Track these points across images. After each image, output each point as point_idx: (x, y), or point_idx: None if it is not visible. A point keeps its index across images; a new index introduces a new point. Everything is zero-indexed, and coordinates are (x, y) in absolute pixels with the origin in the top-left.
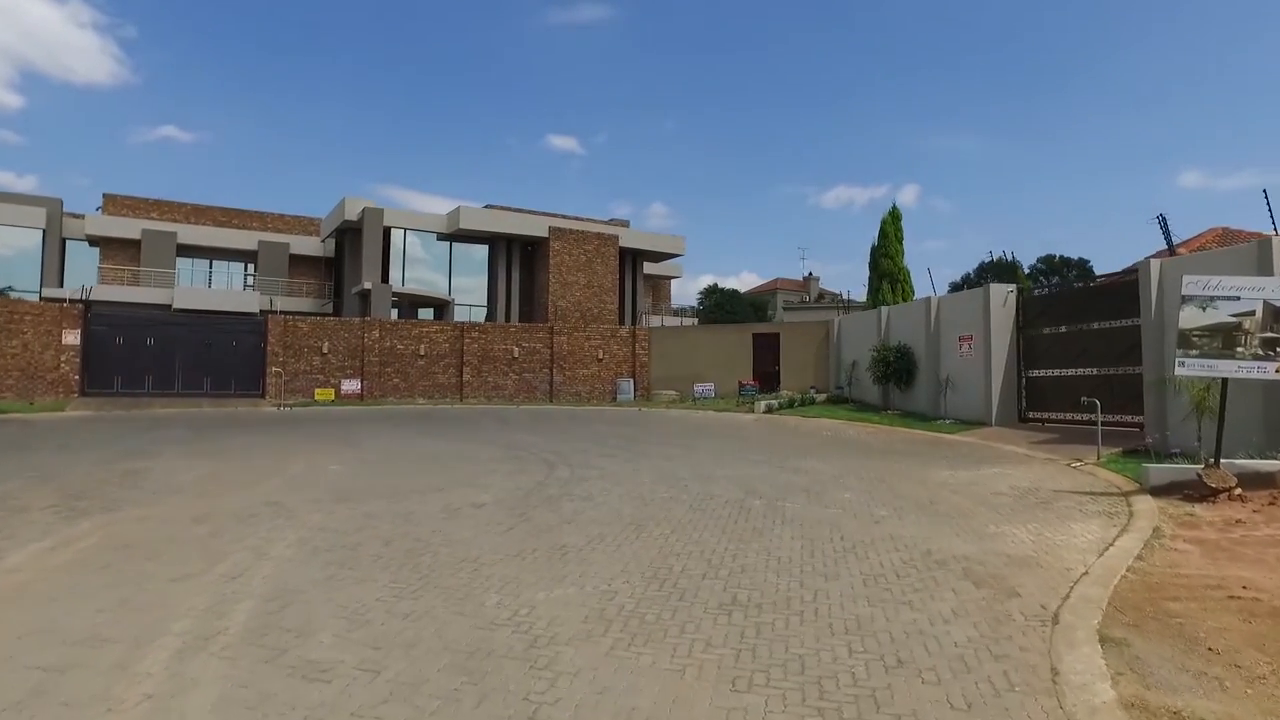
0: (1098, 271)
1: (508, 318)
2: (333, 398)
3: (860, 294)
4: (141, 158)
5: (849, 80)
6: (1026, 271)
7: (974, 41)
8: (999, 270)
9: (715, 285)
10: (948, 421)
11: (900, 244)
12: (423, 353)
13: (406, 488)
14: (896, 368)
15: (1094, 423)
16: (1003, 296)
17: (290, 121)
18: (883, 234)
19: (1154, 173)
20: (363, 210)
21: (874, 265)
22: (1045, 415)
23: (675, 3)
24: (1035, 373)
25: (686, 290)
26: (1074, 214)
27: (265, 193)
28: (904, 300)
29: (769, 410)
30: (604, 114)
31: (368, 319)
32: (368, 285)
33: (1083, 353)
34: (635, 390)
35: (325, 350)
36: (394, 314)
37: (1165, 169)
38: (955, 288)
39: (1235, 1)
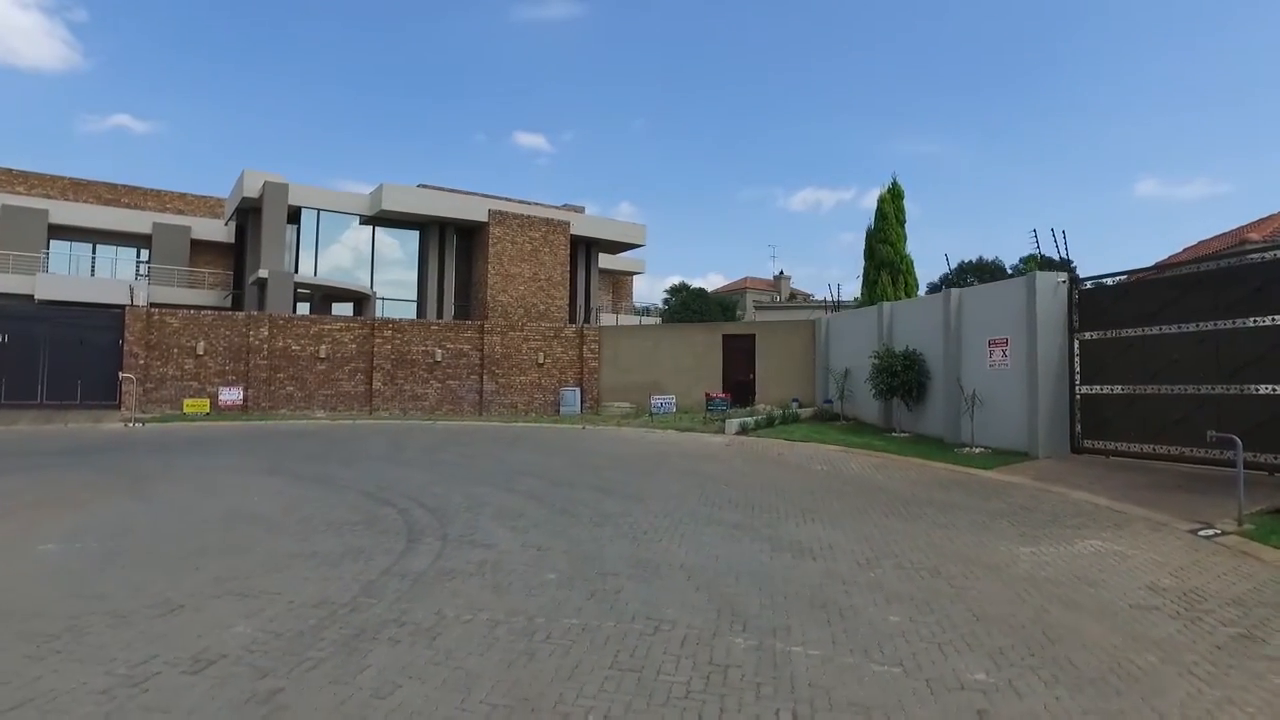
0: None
1: (441, 315)
2: (206, 410)
3: (838, 292)
4: (93, 147)
5: (817, 82)
6: (1009, 273)
7: (943, 47)
8: (981, 270)
9: (683, 284)
10: (976, 451)
11: (902, 228)
12: (324, 355)
13: (114, 602)
14: (905, 379)
15: (1185, 459)
16: (1051, 287)
17: (251, 114)
18: (880, 215)
19: (1113, 180)
20: (263, 185)
21: (870, 253)
22: (1110, 446)
23: (644, 1)
24: (1095, 389)
25: (652, 292)
26: (1038, 219)
27: (219, 187)
28: (906, 295)
29: (743, 430)
30: (572, 112)
31: (254, 314)
32: (264, 273)
33: (1171, 364)
34: (582, 402)
35: (200, 351)
36: (305, 309)
37: (1124, 177)
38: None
39: (1189, 17)
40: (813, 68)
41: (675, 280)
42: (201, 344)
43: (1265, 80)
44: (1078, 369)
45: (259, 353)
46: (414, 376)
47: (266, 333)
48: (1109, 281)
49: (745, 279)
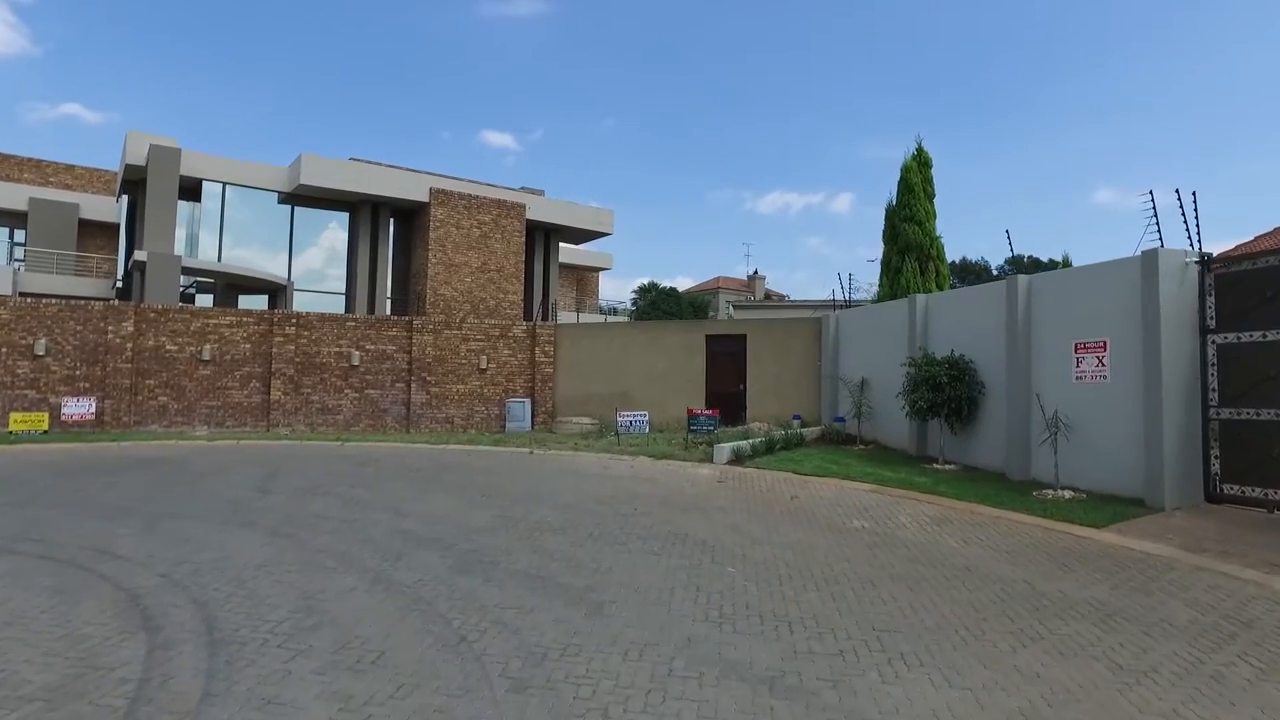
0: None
1: (374, 311)
2: (45, 428)
3: (849, 285)
4: (40, 135)
5: (786, 86)
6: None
7: (908, 56)
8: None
9: (652, 283)
10: (1064, 495)
11: (931, 203)
12: (208, 356)
13: None
14: (953, 394)
15: None
16: (1178, 269)
17: (208, 111)
18: (905, 188)
19: (1072, 189)
20: (149, 150)
21: (891, 236)
22: (1265, 494)
23: (611, 1)
24: (1239, 413)
25: (619, 294)
26: (997, 226)
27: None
28: (938, 286)
29: (737, 458)
30: (542, 111)
31: (115, 304)
32: (142, 255)
33: None
34: (533, 416)
35: (41, 351)
36: (209, 302)
37: (1083, 186)
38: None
39: (1146, 37)
40: (781, 70)
41: (643, 282)
42: (42, 342)
43: (1216, 92)
44: (1213, 384)
45: (120, 354)
46: (325, 384)
47: (132, 328)
48: (1266, 263)
49: (718, 279)
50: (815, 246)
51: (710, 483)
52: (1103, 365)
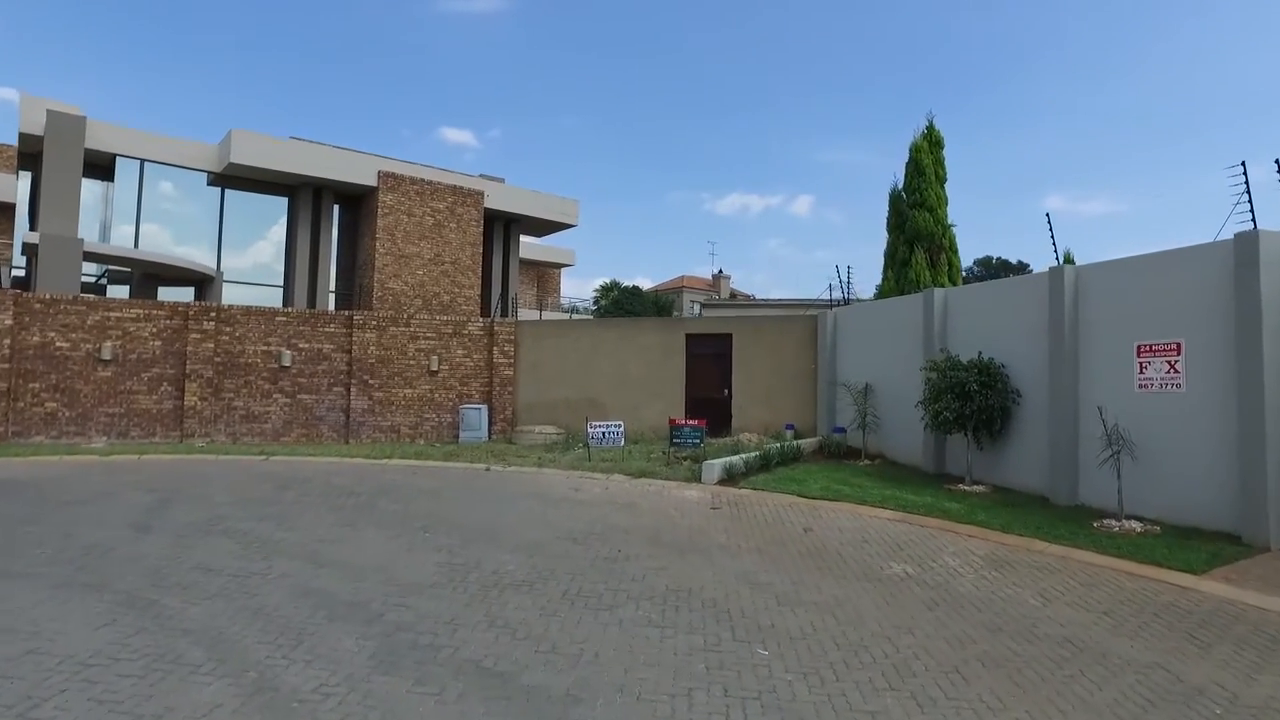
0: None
1: (315, 305)
2: None
3: (848, 281)
4: None
5: (744, 87)
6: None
7: (866, 62)
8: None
9: (615, 282)
10: (1134, 527)
11: (942, 187)
12: (110, 355)
13: None
14: (984, 404)
15: None
16: None
17: (157, 107)
18: (915, 169)
19: (1023, 194)
20: (47, 116)
21: (897, 223)
22: None
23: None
24: None
25: (579, 293)
26: (961, 227)
27: None
28: (950, 281)
29: (729, 477)
30: (501, 108)
31: None
32: (34, 237)
33: None
34: (491, 424)
35: None
36: (125, 293)
37: (1034, 192)
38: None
39: (1099, 45)
40: (739, 71)
41: (604, 281)
42: None
43: (1171, 107)
44: None
45: None
46: (250, 388)
47: (10, 320)
48: None
49: (683, 278)
50: (774, 248)
51: (703, 509)
52: (1175, 371)
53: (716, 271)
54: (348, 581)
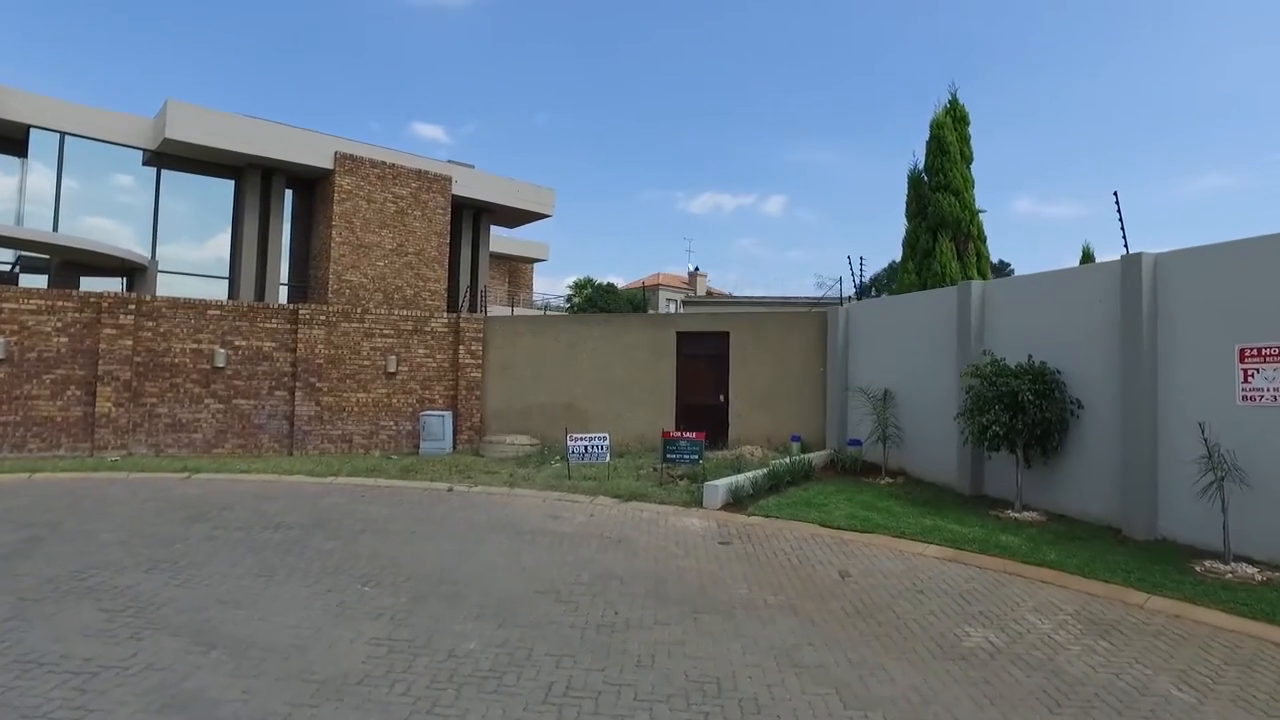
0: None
1: (264, 299)
2: None
3: (861, 271)
4: None
5: (716, 87)
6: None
7: (837, 62)
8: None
9: (588, 279)
10: (1254, 575)
11: (968, 167)
12: (2, 354)
13: None
14: (1039, 416)
15: None
16: None
17: (122, 101)
18: (938, 147)
19: (993, 196)
20: None
21: (917, 208)
22: None
23: None
24: None
25: (552, 290)
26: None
27: None
28: (980, 273)
29: (735, 500)
30: (472, 105)
31: None
32: None
33: None
34: (456, 433)
35: None
36: (42, 283)
37: (1003, 194)
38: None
39: (1070, 52)
40: (714, 70)
41: (577, 278)
42: None
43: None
44: None
45: None
46: (177, 392)
47: None
48: None
49: (658, 275)
50: (747, 247)
51: (710, 544)
52: None
53: (693, 269)
54: (239, 679)
